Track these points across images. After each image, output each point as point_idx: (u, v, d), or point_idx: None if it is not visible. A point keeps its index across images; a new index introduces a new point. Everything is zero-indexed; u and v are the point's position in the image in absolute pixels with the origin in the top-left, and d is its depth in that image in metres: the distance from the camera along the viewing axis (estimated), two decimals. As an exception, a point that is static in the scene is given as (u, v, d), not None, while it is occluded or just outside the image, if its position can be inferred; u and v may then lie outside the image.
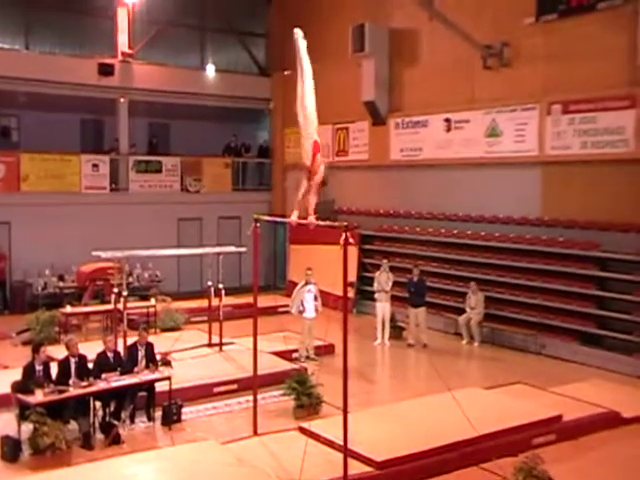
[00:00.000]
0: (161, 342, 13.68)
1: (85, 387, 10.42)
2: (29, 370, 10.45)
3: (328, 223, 9.58)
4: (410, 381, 14.59)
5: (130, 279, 18.79)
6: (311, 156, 8.99)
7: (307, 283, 15.24)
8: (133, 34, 22.23)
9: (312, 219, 8.96)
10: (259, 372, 10.77)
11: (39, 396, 9.90)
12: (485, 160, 17.72)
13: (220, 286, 15.23)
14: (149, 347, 11.64)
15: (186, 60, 23.96)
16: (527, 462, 8.65)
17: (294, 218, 9.18)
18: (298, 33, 9.45)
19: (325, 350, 14.88)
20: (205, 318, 15.90)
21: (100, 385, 10.58)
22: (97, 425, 10.56)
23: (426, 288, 16.94)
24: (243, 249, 16.04)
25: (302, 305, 15.18)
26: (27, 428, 9.75)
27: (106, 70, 21.54)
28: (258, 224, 10.28)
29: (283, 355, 14.44)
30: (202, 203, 23.16)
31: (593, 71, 15.06)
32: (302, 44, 9.43)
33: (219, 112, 24.25)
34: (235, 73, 24.51)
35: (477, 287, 16.68)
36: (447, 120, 18.64)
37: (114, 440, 10.28)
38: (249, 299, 11.80)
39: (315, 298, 15.19)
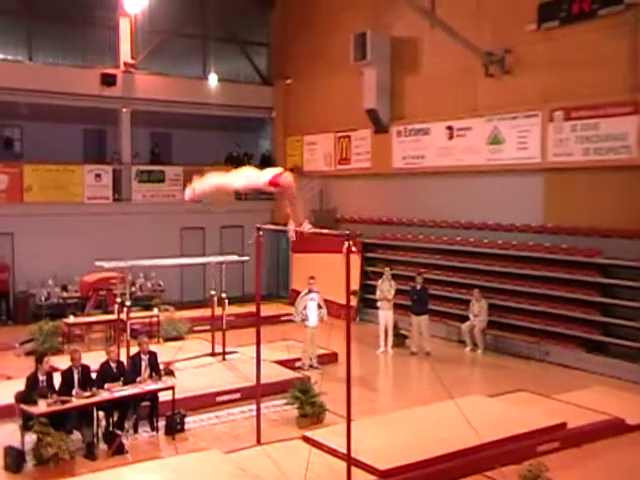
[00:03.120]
0: (164, 352, 13.64)
1: (88, 397, 10.41)
2: (32, 380, 10.44)
3: (330, 232, 9.57)
4: (413, 389, 14.56)
5: (133, 289, 18.78)
6: (280, 188, 8.95)
7: (310, 291, 15.22)
8: (135, 44, 22.31)
9: (306, 225, 8.98)
10: (262, 381, 10.79)
11: (42, 406, 9.89)
12: (487, 167, 17.71)
13: (223, 295, 15.24)
14: (152, 356, 11.62)
15: (188, 70, 24.02)
16: (531, 470, 8.65)
17: (290, 228, 9.28)
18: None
19: (328, 358, 14.90)
20: (208, 327, 15.93)
21: (103, 395, 10.58)
22: (100, 435, 10.57)
23: (429, 296, 16.91)
24: (246, 258, 16.06)
25: (304, 313, 15.15)
26: (30, 439, 9.75)
27: (109, 80, 21.62)
28: (261, 233, 10.31)
29: (286, 364, 14.42)
30: (205, 212, 23.14)
31: (595, 77, 15.08)
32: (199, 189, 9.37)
33: (221, 121, 24.30)
34: (237, 82, 24.56)
35: (480, 294, 16.65)
36: (449, 128, 18.65)
37: (117, 450, 10.27)
38: (252, 308, 11.78)
39: (319, 306, 15.14)
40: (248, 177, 9.25)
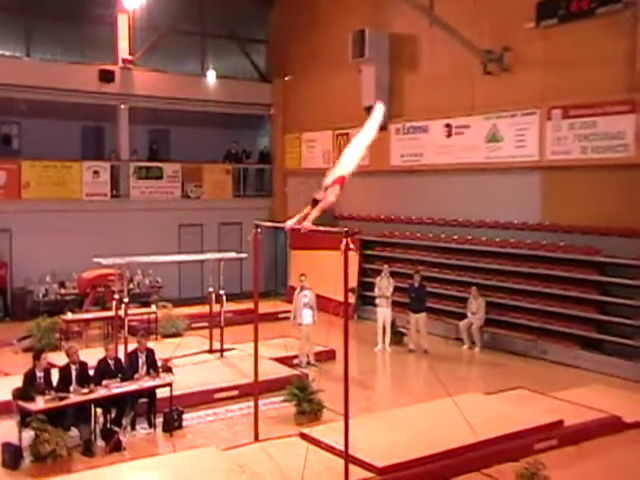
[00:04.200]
0: (162, 348, 13.66)
1: (86, 394, 10.42)
2: (30, 377, 10.45)
3: (328, 229, 9.56)
4: (411, 387, 14.57)
5: (131, 286, 18.79)
6: (336, 186, 8.97)
7: (302, 289, 15.23)
8: (134, 41, 22.28)
9: (307, 223, 8.98)
10: (260, 378, 10.78)
11: (40, 403, 9.91)
12: (485, 165, 17.72)
13: (221, 292, 15.25)
14: (150, 353, 11.63)
15: (187, 66, 24.01)
16: (528, 468, 8.68)
17: (289, 224, 9.28)
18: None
19: (326, 356, 14.90)
20: (206, 324, 15.91)
21: (101, 392, 10.58)
22: (98, 432, 10.56)
23: (427, 294, 16.92)
24: (244, 255, 16.06)
25: (299, 313, 15.15)
26: (28, 435, 9.76)
27: (107, 77, 21.60)
28: (259, 230, 10.31)
29: (284, 361, 14.41)
30: (203, 209, 23.19)
31: (593, 76, 15.07)
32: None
33: (220, 118, 24.28)
34: (236, 79, 24.55)
35: (478, 292, 16.67)
36: (447, 125, 18.65)
37: (115, 447, 10.28)
38: (250, 305, 11.80)
39: (311, 308, 15.10)
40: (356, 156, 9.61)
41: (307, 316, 15.04)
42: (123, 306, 13.72)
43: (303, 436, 10.17)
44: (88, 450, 10.09)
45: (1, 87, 19.78)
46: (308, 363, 14.90)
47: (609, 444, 10.51)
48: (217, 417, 11.84)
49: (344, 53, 20.20)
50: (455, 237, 18.42)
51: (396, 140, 20.22)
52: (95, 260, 14.44)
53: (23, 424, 9.89)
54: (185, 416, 11.39)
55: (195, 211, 23.08)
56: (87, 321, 17.20)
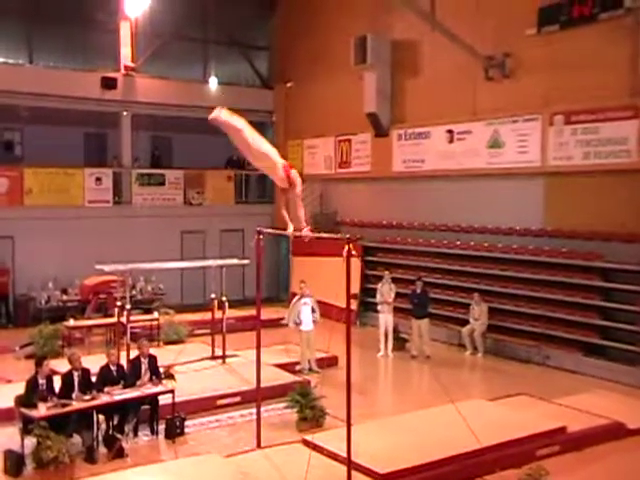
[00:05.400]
0: (164, 355, 13.65)
1: (88, 401, 10.41)
2: (32, 384, 10.43)
3: (330, 235, 9.58)
4: (413, 393, 14.53)
5: (133, 292, 18.79)
6: (286, 178, 8.97)
7: (302, 296, 15.22)
8: (136, 47, 22.33)
9: (307, 231, 9.04)
10: (262, 384, 10.77)
11: (42, 410, 9.89)
12: (487, 171, 17.71)
13: (223, 298, 15.24)
14: (152, 360, 11.63)
15: (189, 73, 24.05)
16: (531, 474, 8.66)
17: (290, 231, 9.31)
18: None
19: (328, 362, 14.83)
20: (208, 331, 15.91)
21: (103, 399, 10.58)
22: (100, 439, 10.55)
23: (429, 299, 16.91)
24: (246, 261, 16.07)
25: (298, 318, 15.14)
26: (30, 442, 9.75)
27: (109, 84, 21.66)
28: (261, 236, 10.33)
29: (286, 367, 14.43)
30: (205, 216, 23.21)
31: (595, 82, 15.07)
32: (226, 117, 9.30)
33: (222, 125, 24.27)
34: (238, 86, 24.60)
35: (480, 298, 16.66)
36: (449, 131, 18.66)
37: (117, 454, 10.27)
38: (252, 311, 11.78)
39: (312, 310, 15.14)
40: (270, 150, 9.30)
41: (307, 322, 15.05)
42: (125, 313, 13.72)
43: (305, 442, 10.15)
44: (90, 457, 10.09)
45: (4, 94, 19.85)
46: (310, 369, 14.89)
47: (612, 450, 10.48)
48: (219, 424, 11.82)
49: (346, 59, 20.23)
50: (457, 243, 18.43)
51: (398, 146, 20.23)
52: (97, 267, 14.44)
53: (25, 431, 9.89)
54: (187, 423, 11.37)
55: (197, 218, 23.09)
56: (89, 328, 17.18)
